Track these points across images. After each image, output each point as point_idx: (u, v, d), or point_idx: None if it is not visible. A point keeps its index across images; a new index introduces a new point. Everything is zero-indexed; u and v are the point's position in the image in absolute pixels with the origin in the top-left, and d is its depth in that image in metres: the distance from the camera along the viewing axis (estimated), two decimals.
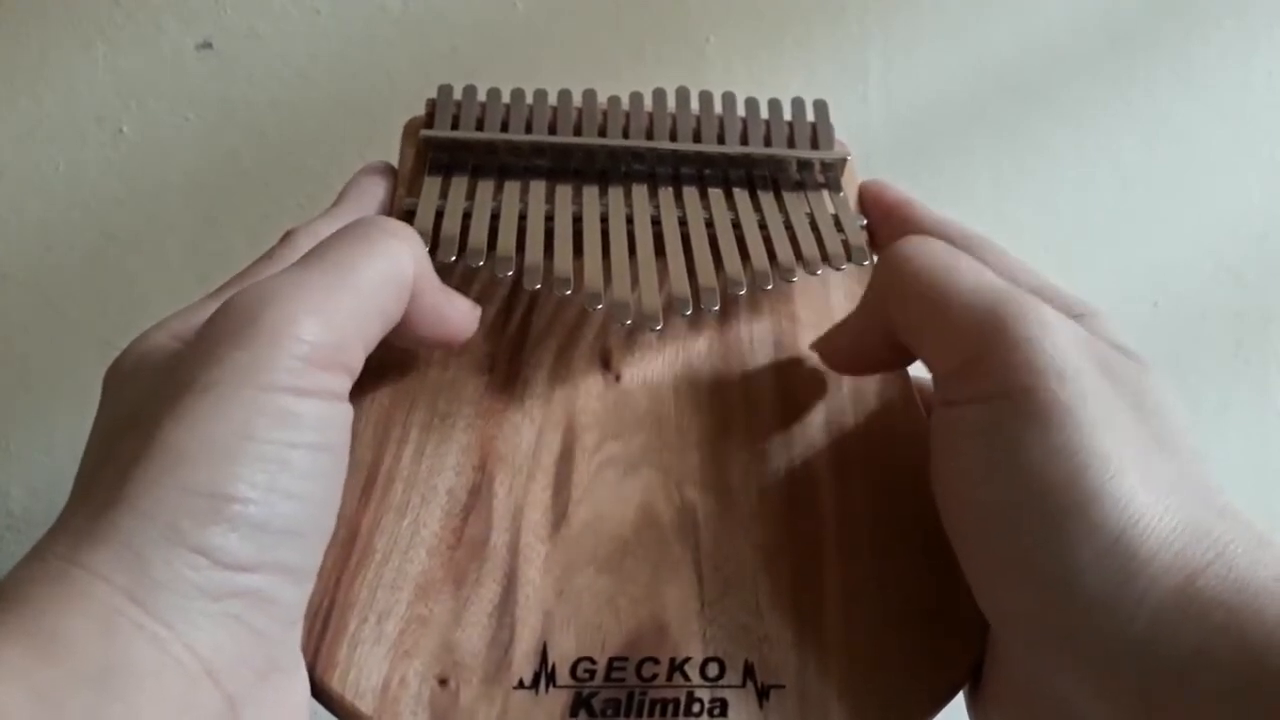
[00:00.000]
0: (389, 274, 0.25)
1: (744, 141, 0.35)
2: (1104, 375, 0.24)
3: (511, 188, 0.33)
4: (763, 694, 0.26)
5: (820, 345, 0.31)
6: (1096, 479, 0.22)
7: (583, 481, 0.28)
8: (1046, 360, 0.24)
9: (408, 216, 0.31)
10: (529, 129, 0.34)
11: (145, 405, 0.22)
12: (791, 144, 0.35)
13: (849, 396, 0.31)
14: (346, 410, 0.24)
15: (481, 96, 0.35)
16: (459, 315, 0.28)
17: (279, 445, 0.22)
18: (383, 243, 0.25)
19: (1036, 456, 0.23)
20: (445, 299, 0.28)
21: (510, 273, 0.30)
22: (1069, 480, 0.22)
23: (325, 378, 0.23)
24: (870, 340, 0.29)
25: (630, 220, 0.32)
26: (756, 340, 0.32)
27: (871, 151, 0.50)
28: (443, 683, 0.25)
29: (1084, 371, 0.24)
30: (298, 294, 0.23)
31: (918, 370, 0.32)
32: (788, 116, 0.36)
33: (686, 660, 0.26)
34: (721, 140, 0.35)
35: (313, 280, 0.24)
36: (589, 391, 0.30)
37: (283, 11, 0.48)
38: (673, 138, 0.35)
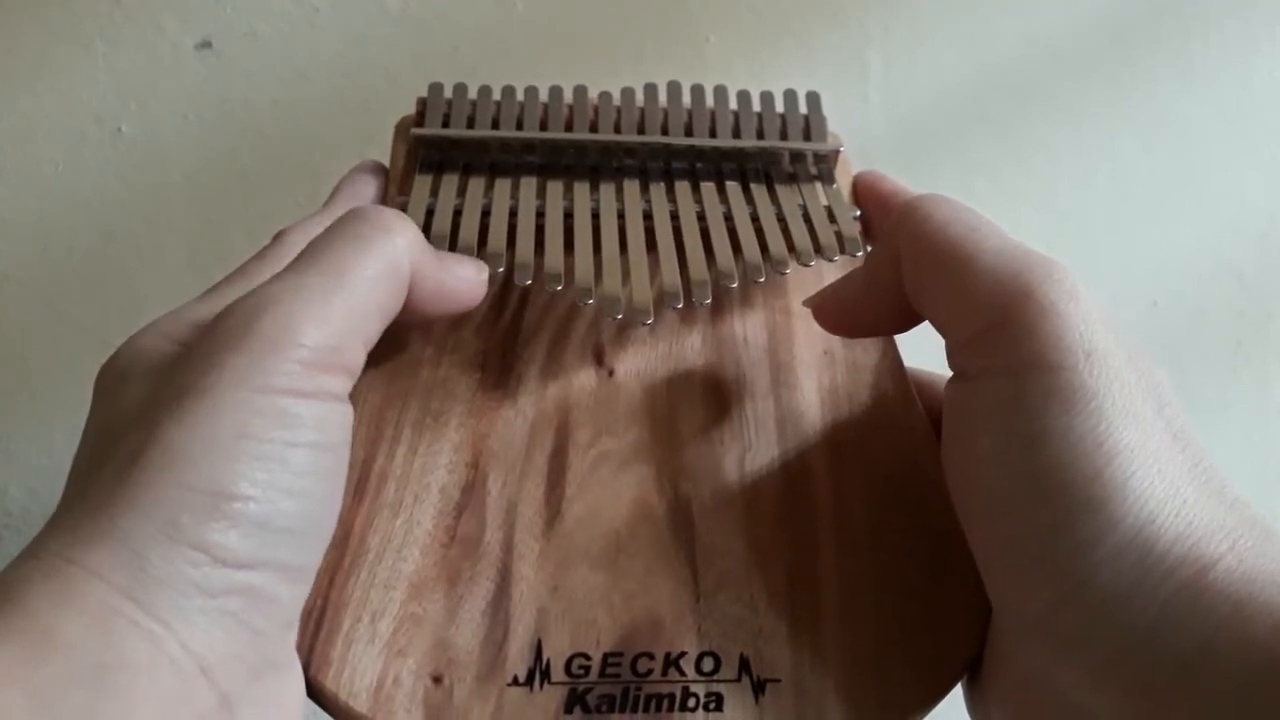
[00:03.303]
0: (384, 271, 0.25)
1: (736, 134, 0.35)
2: (1128, 359, 0.23)
3: (502, 184, 0.33)
4: (759, 688, 0.26)
5: (816, 303, 0.30)
6: (1120, 473, 0.21)
7: (576, 477, 0.28)
8: (1075, 336, 0.23)
9: None
10: (520, 125, 0.34)
11: (143, 407, 0.22)
12: (784, 136, 0.35)
13: (844, 389, 0.31)
14: (346, 410, 0.24)
15: (472, 94, 0.35)
16: (464, 284, 0.28)
17: (278, 444, 0.22)
18: (376, 241, 0.25)
19: (1058, 443, 0.22)
20: (448, 275, 0.28)
21: (501, 269, 0.30)
22: (1092, 473, 0.22)
23: (325, 380, 0.23)
24: (874, 300, 0.28)
25: (622, 215, 0.32)
26: (749, 333, 0.32)
27: (872, 151, 0.50)
28: (437, 681, 0.25)
29: (1112, 353, 0.23)
30: (296, 301, 0.23)
31: (914, 363, 0.32)
32: (780, 109, 0.36)
33: (682, 655, 0.26)
34: (713, 133, 0.35)
35: (310, 285, 0.24)
36: (582, 387, 0.30)
37: (282, 11, 0.48)
38: (664, 132, 0.35)
